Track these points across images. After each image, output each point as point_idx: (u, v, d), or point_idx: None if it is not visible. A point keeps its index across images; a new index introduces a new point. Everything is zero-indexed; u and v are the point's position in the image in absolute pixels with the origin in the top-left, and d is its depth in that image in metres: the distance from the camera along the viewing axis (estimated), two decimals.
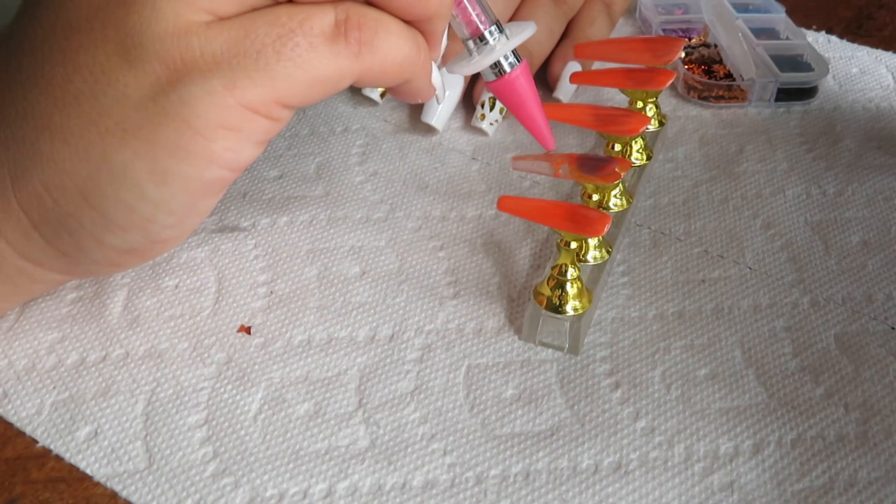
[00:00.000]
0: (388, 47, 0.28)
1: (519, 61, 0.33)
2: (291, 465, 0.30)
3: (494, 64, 0.32)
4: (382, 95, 0.46)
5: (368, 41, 0.28)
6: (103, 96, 0.27)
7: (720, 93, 0.48)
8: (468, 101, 0.46)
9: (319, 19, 0.27)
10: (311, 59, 0.27)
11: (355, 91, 0.47)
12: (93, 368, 0.32)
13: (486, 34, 0.32)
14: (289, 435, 0.31)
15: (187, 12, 0.26)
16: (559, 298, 0.33)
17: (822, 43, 0.54)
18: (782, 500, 0.29)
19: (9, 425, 0.31)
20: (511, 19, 0.46)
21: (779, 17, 0.52)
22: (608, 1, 0.49)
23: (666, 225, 0.40)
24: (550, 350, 0.34)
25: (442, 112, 0.44)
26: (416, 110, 0.47)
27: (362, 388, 0.32)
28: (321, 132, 0.45)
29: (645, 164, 0.42)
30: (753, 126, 0.47)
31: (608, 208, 0.39)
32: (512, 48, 0.32)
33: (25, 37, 0.28)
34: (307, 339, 0.34)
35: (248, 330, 0.34)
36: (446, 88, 0.44)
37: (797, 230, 0.40)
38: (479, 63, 0.32)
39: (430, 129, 0.45)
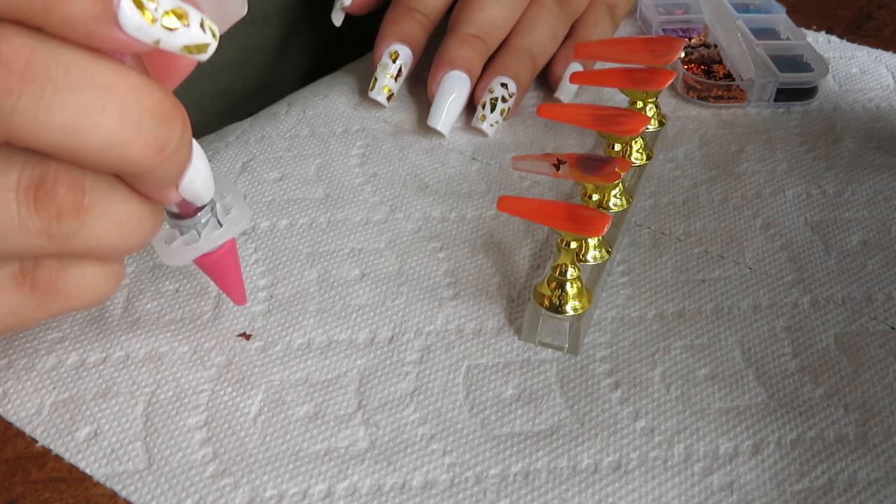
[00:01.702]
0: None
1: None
2: (291, 466, 0.30)
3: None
4: (389, 99, 0.46)
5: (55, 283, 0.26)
6: None
7: (719, 93, 0.48)
8: (468, 102, 0.46)
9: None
10: None
11: (357, 92, 0.48)
12: (93, 369, 0.32)
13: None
14: (288, 436, 0.31)
15: None
16: (559, 298, 0.33)
17: (822, 43, 0.54)
18: (782, 500, 0.29)
19: (9, 425, 0.31)
20: (517, 22, 0.46)
21: (779, 18, 0.52)
22: (611, 3, 0.49)
23: (666, 225, 0.40)
24: (550, 350, 0.34)
25: (448, 117, 0.44)
26: (418, 112, 0.47)
27: (362, 389, 0.32)
28: (321, 133, 0.45)
29: (645, 164, 0.42)
30: (753, 126, 0.47)
31: (608, 208, 0.39)
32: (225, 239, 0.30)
33: None
34: (307, 343, 0.34)
35: (247, 336, 0.34)
36: (451, 91, 0.44)
37: (797, 230, 0.40)
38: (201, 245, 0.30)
39: (430, 130, 0.45)
